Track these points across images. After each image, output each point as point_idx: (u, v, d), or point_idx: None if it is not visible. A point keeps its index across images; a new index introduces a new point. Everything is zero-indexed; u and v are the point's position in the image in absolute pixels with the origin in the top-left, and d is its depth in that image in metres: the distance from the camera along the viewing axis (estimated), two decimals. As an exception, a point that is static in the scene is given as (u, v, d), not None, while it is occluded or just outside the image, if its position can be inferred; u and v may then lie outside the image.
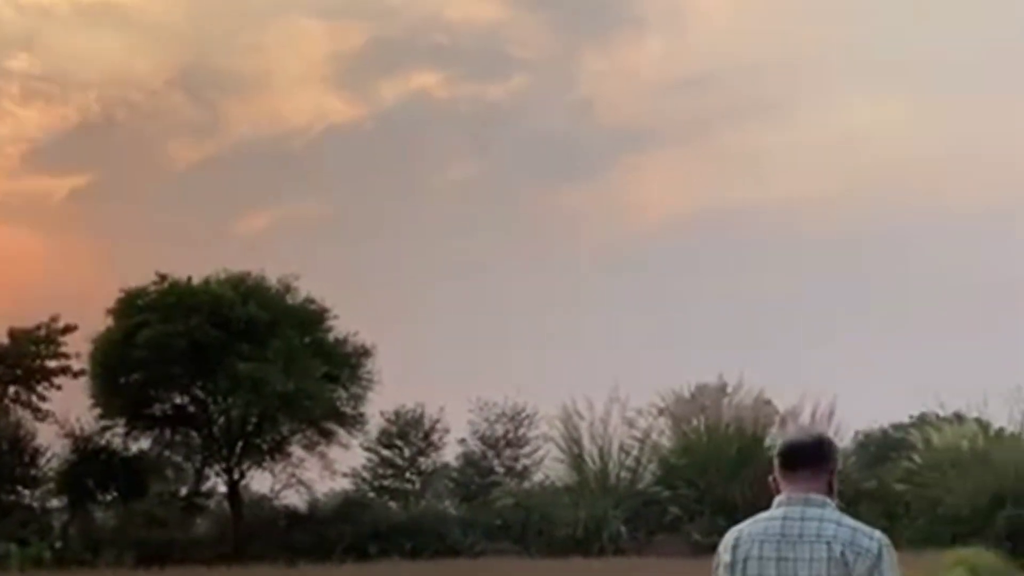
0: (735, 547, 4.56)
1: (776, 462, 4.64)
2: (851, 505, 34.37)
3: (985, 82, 56.17)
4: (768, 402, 37.93)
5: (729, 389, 38.06)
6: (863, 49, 56.98)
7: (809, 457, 4.55)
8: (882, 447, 40.43)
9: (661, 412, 38.24)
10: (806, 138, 57.84)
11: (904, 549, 30.33)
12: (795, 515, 4.46)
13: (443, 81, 61.78)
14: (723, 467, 36.64)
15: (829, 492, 4.52)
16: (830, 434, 4.98)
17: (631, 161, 59.86)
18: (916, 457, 34.96)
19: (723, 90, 57.55)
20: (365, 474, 45.18)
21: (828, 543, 4.36)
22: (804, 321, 52.12)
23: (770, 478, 4.67)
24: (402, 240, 53.52)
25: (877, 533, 4.44)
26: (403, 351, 48.68)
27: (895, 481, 34.87)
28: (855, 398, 41.05)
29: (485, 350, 50.88)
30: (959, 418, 36.03)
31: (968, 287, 53.08)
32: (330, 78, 59.97)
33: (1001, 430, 35.56)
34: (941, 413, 36.29)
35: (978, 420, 35.55)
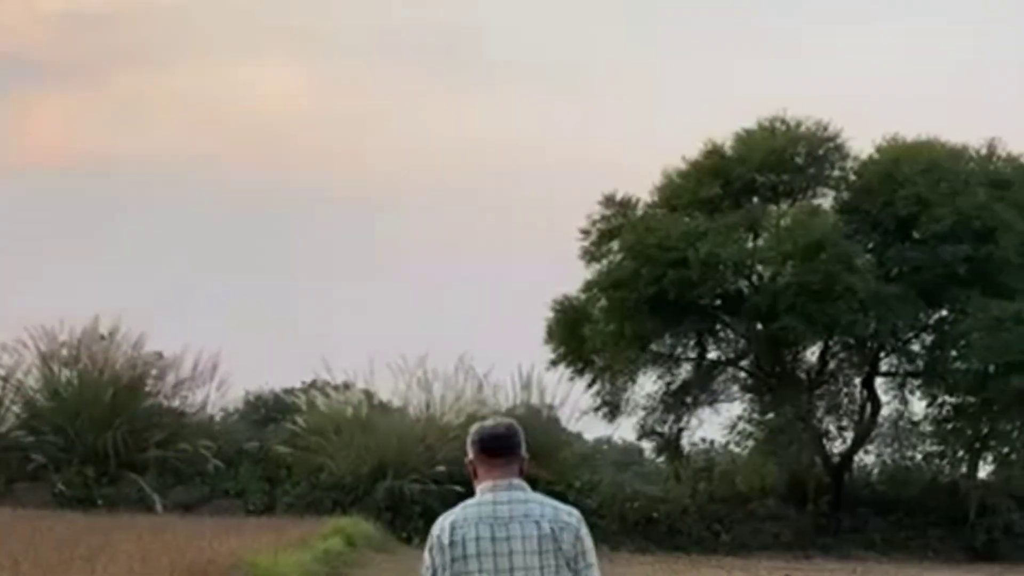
0: (452, 529, 5.00)
1: (474, 448, 5.16)
2: (230, 466, 33.93)
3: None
4: (160, 355, 36.51)
5: (106, 332, 36.11)
6: (257, 12, 56.81)
7: (506, 446, 5.12)
8: (274, 410, 40.04)
9: (42, 355, 35.68)
10: (194, 91, 57.00)
11: (283, 514, 30.08)
12: (503, 499, 5.01)
13: None
14: (96, 415, 34.75)
15: (520, 475, 5.08)
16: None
17: (22, 95, 56.50)
18: (300, 420, 34.75)
19: (120, 32, 55.50)
20: None
21: (537, 521, 4.96)
22: (189, 275, 51.41)
23: (467, 460, 5.21)
24: None
25: (574, 510, 5.10)
26: None
27: (278, 444, 34.47)
28: (250, 358, 40.84)
29: None
30: (347, 386, 36.13)
31: (362, 256, 54.35)
32: None
33: (385, 403, 35.97)
34: (333, 381, 36.23)
35: (364, 390, 35.80)
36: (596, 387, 35.36)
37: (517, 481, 5.07)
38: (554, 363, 35.26)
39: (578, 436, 39.72)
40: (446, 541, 5.00)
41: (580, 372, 35.21)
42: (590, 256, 34.71)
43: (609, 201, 34.82)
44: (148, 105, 56.60)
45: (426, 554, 5.05)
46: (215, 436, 35.34)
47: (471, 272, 51.66)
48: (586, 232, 34.72)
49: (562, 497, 27.40)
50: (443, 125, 59.13)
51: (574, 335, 34.37)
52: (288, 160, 56.62)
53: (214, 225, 53.19)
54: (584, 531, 5.07)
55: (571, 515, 5.07)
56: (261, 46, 58.30)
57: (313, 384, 37.44)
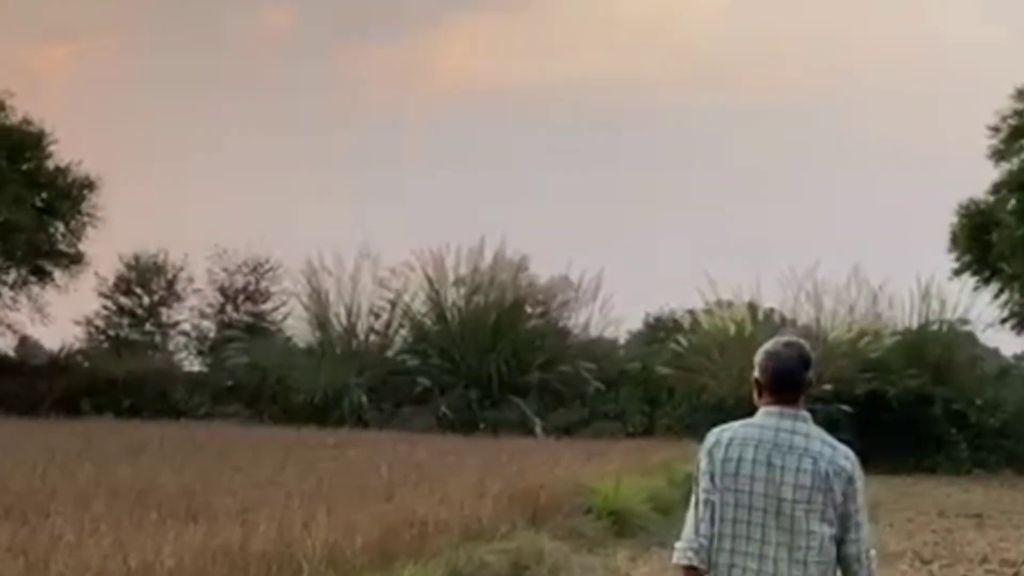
0: (729, 445, 4.85)
1: (764, 375, 4.89)
2: (611, 388, 32.14)
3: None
4: (558, 277, 35.36)
5: (490, 254, 34.97)
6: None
7: (797, 377, 4.87)
8: (671, 331, 37.80)
9: (428, 279, 34.89)
10: (622, 14, 55.45)
11: (662, 436, 27.87)
12: (787, 427, 4.82)
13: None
14: (480, 338, 33.61)
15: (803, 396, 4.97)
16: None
17: (450, 21, 56.69)
18: (682, 339, 32.59)
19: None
20: (99, 322, 40.77)
21: (814, 458, 4.77)
22: (589, 199, 50.46)
23: (753, 378, 4.94)
24: (189, 82, 49.49)
25: (851, 454, 4.89)
26: (148, 193, 44.94)
27: (660, 364, 32.39)
28: (646, 280, 39.49)
29: (235, 200, 47.33)
30: (732, 304, 33.65)
31: (743, 173, 52.18)
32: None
33: (771, 312, 33.35)
34: (734, 301, 33.70)
35: (749, 303, 33.19)
36: (1004, 297, 32.02)
37: (804, 413, 4.86)
38: (957, 272, 32.58)
39: (994, 351, 36.12)
40: (720, 456, 4.85)
41: (986, 281, 32.09)
42: (1000, 155, 31.86)
43: (1022, 94, 31.40)
44: (571, 28, 55.70)
45: (701, 455, 4.87)
46: (597, 358, 33.76)
47: (867, 177, 48.15)
48: (996, 129, 31.88)
49: (961, 416, 23.56)
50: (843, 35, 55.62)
51: (980, 241, 31.26)
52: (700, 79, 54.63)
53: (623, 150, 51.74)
54: (858, 474, 4.85)
55: (848, 459, 4.85)
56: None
57: (714, 305, 34.90)
